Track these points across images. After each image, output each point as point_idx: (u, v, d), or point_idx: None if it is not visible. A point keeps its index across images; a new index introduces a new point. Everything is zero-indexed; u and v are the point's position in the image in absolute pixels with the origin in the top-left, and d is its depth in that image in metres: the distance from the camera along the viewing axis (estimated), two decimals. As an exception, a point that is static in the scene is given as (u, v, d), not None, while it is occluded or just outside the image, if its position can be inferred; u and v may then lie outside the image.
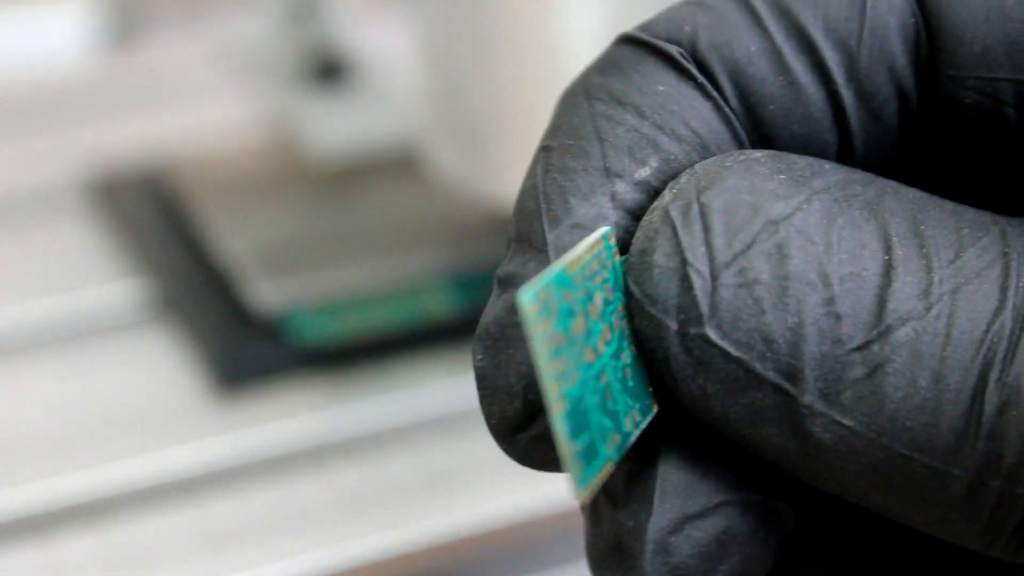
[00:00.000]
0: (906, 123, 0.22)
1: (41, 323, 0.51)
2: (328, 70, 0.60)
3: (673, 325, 0.20)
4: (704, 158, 0.22)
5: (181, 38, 0.70)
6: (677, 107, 0.22)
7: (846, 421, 0.20)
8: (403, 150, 0.56)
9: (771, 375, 0.20)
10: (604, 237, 0.21)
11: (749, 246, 0.20)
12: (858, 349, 0.20)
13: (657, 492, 0.21)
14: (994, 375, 0.20)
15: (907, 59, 0.22)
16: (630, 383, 0.21)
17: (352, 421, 0.46)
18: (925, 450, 0.20)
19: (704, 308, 0.20)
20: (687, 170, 0.21)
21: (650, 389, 0.21)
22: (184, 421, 0.46)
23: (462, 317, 0.49)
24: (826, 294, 0.20)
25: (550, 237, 0.21)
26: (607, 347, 0.21)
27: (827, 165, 0.21)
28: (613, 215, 0.21)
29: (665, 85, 0.22)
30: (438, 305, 0.49)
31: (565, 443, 0.20)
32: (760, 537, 0.21)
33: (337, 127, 0.57)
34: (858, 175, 0.21)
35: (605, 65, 0.23)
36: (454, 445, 0.46)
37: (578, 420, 0.20)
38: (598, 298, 0.21)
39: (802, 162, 0.21)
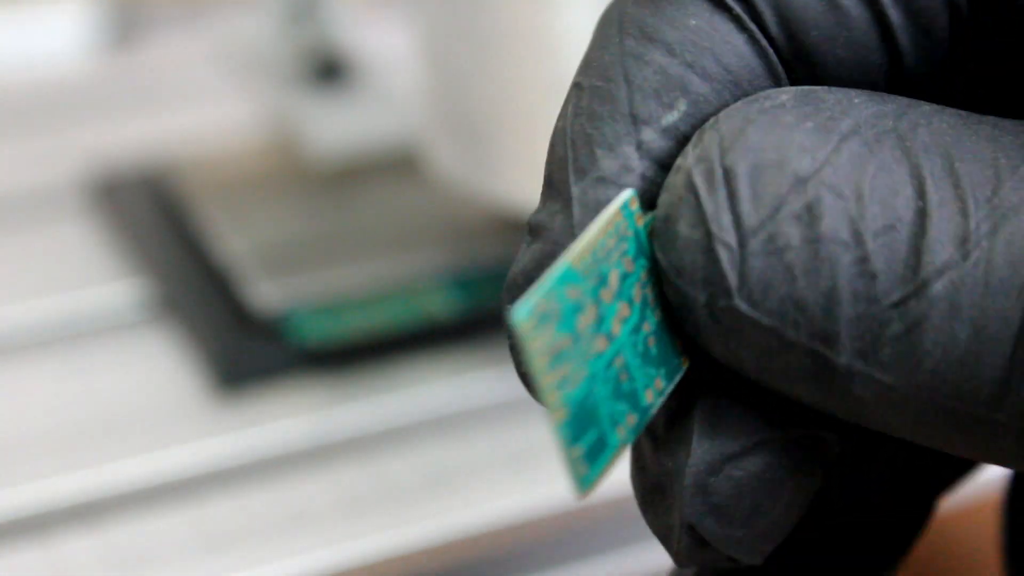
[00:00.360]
0: (957, 31, 0.21)
1: (41, 323, 0.51)
2: (328, 70, 0.60)
3: (701, 297, 0.20)
4: (736, 96, 0.21)
5: (181, 38, 0.70)
6: (709, 43, 0.21)
7: (886, 378, 0.19)
8: (403, 150, 0.56)
9: (805, 340, 0.20)
10: (624, 206, 0.20)
11: (777, 209, 0.20)
12: (895, 306, 0.19)
13: (696, 433, 0.21)
14: None
15: None
16: (653, 351, 0.21)
17: (352, 421, 0.46)
18: (968, 400, 0.19)
19: (732, 280, 0.20)
20: (710, 124, 0.20)
21: (679, 347, 0.21)
22: (184, 421, 0.46)
23: (462, 317, 0.49)
24: (859, 253, 0.19)
25: (575, 191, 0.21)
26: (624, 325, 0.20)
27: (857, 98, 0.20)
28: (639, 166, 0.21)
29: (697, 18, 0.21)
30: (438, 305, 0.49)
31: (565, 450, 0.19)
32: (804, 470, 0.21)
33: (337, 127, 0.57)
34: (890, 105, 0.20)
35: None
36: (454, 445, 0.46)
37: (582, 421, 0.20)
38: (614, 277, 0.20)
39: (830, 99, 0.20)
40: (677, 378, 0.21)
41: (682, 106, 0.21)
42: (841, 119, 0.20)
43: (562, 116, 0.22)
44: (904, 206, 0.19)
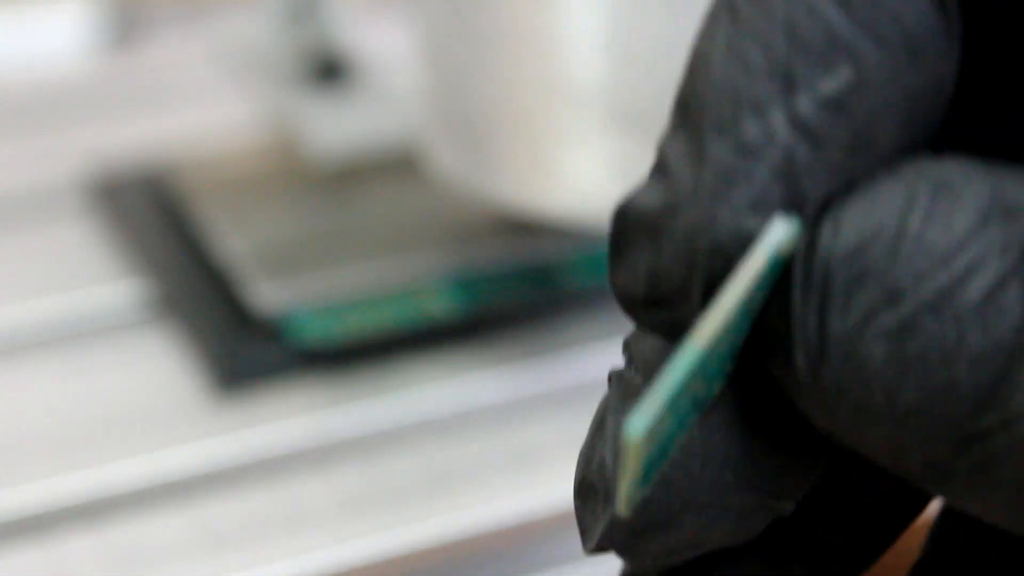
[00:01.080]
0: None
1: (41, 323, 0.51)
2: (328, 70, 0.60)
3: (780, 376, 0.19)
4: (910, 62, 0.19)
5: (181, 38, 0.70)
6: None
7: (960, 492, 0.19)
8: (403, 150, 0.56)
9: (878, 442, 0.19)
10: (770, 259, 0.18)
11: (866, 323, 0.18)
12: (976, 436, 0.18)
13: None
14: None
15: None
16: (739, 344, 0.19)
17: (352, 421, 0.46)
18: None
19: (805, 379, 0.19)
20: (834, 210, 0.19)
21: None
22: (184, 421, 0.46)
23: (462, 317, 0.49)
24: (948, 377, 0.18)
25: (712, 150, 0.19)
26: (726, 349, 0.19)
27: (1010, 192, 0.18)
28: (786, 137, 0.18)
29: None
30: (438, 305, 0.49)
31: (626, 500, 0.18)
32: (746, 530, 0.21)
33: (337, 127, 0.57)
34: (1010, 187, 0.18)
35: None
36: (454, 445, 0.46)
37: (651, 469, 0.18)
38: (733, 317, 0.19)
39: (969, 195, 0.18)
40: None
41: (845, 73, 0.18)
42: (975, 235, 0.18)
43: (709, 39, 0.19)
44: (1006, 329, 0.18)
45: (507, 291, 0.50)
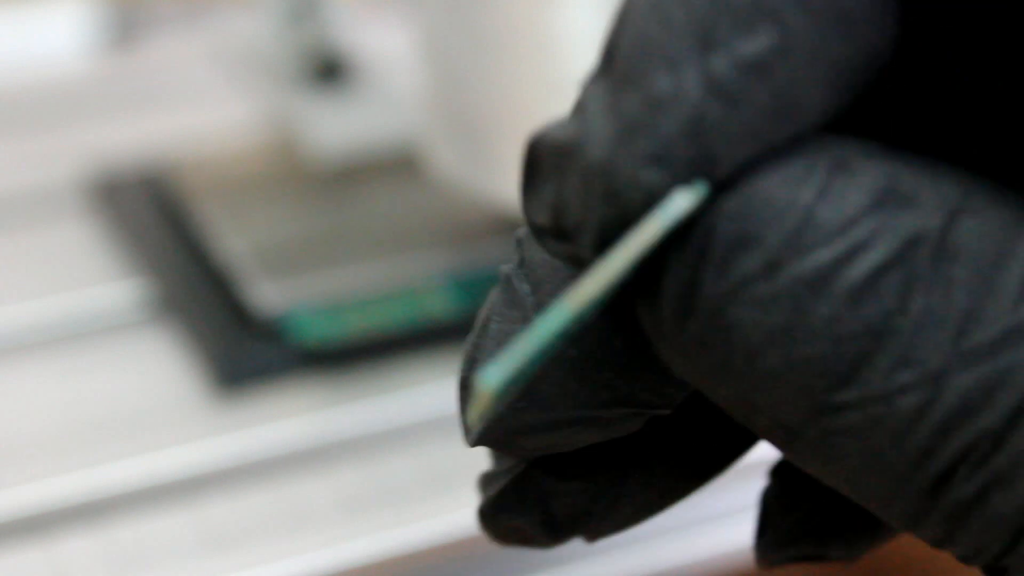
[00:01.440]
0: None
1: (41, 323, 0.51)
2: (328, 70, 0.60)
3: (646, 318, 0.19)
4: (840, 34, 0.18)
5: (181, 38, 0.70)
6: None
7: (810, 460, 0.19)
8: (403, 150, 0.56)
9: (732, 400, 0.19)
10: (668, 227, 0.18)
11: (740, 288, 0.18)
12: (833, 408, 0.18)
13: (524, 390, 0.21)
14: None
15: None
16: None
17: (352, 421, 0.46)
18: (890, 509, 0.19)
19: (668, 329, 0.19)
20: (739, 183, 0.18)
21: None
22: (184, 421, 0.46)
23: (462, 317, 0.49)
24: (812, 350, 0.18)
25: (621, 99, 0.18)
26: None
27: (907, 178, 0.18)
28: (695, 94, 0.18)
29: None
30: (438, 305, 0.49)
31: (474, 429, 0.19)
32: (617, 431, 0.21)
33: (337, 127, 0.57)
34: (949, 188, 0.18)
35: None
36: (454, 445, 0.46)
37: (508, 386, 0.18)
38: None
39: (867, 179, 0.18)
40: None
41: (766, 38, 0.18)
42: (867, 215, 0.18)
43: None
44: (879, 317, 0.18)
45: (507, 291, 0.50)
